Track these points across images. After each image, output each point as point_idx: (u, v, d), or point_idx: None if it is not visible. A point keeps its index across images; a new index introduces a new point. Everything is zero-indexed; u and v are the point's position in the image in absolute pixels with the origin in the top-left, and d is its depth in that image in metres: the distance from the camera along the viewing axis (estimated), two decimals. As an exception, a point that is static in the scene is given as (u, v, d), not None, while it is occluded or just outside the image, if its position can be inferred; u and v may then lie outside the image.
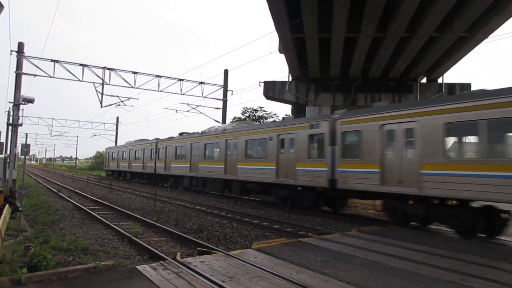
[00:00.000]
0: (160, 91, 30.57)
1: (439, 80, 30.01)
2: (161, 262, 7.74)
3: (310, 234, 11.30)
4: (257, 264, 7.44)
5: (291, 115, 35.80)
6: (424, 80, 30.53)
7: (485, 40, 23.74)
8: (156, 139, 34.85)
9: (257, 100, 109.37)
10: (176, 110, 36.78)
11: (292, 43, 24.89)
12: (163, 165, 31.64)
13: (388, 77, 29.16)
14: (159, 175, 33.36)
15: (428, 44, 24.25)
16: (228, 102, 33.69)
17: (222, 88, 33.55)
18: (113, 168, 47.70)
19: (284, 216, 15.98)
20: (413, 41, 23.34)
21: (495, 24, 21.89)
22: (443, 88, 29.20)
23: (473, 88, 29.14)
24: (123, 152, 43.29)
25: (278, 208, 18.60)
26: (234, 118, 40.63)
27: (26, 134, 54.40)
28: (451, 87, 29.09)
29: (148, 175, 36.66)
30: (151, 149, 34.53)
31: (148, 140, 38.43)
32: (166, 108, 38.98)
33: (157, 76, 30.15)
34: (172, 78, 30.97)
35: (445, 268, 7.23)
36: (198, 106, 35.00)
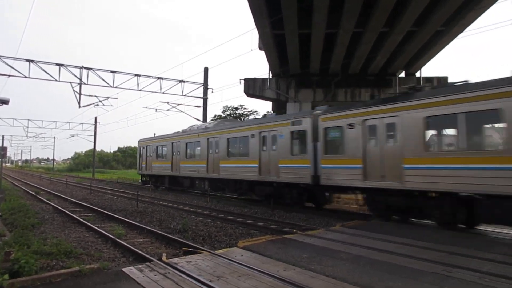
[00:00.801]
0: (140, 90, 30.22)
1: (417, 74, 30.55)
2: (147, 263, 7.65)
3: (294, 230, 11.36)
4: (244, 262, 7.44)
5: (272, 112, 35.94)
6: (402, 74, 31.01)
7: (462, 34, 24.28)
8: (291, 114, 20.36)
9: (238, 97, 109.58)
10: (156, 109, 36.39)
11: (273, 40, 24.89)
12: (359, 166, 13.68)
13: (368, 72, 29.50)
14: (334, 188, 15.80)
15: (406, 39, 24.62)
16: (208, 100, 33.54)
17: (203, 86, 33.34)
18: (160, 172, 30.17)
19: (268, 213, 16.02)
20: (392, 35, 23.65)
21: (471, 18, 22.37)
22: (421, 81, 29.73)
23: (449, 81, 29.80)
24: (187, 144, 26.12)
25: (261, 205, 18.64)
26: (215, 116, 40.40)
27: (3, 136, 52.85)
28: (429, 80, 29.65)
29: (291, 187, 17.46)
30: (292, 132, 16.99)
31: (244, 120, 24.07)
32: (146, 107, 38.50)
33: (136, 75, 29.78)
34: (152, 77, 30.65)
35: (428, 260, 7.38)
36: (179, 104, 34.75)
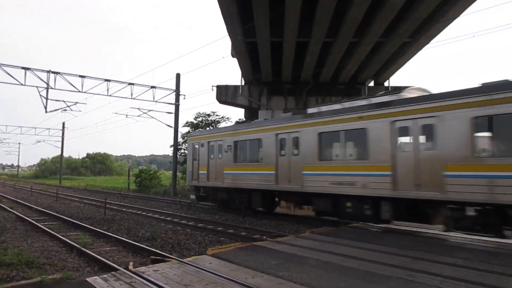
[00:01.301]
0: (109, 95, 29.61)
1: (386, 83, 31.40)
2: (113, 272, 7.47)
3: (264, 237, 11.39)
4: (212, 270, 7.37)
5: (244, 119, 36.01)
6: (371, 84, 31.79)
7: (428, 46, 25.19)
8: None
9: (211, 104, 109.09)
10: (127, 115, 35.74)
11: (245, 47, 25.03)
12: None
13: (338, 80, 30.09)
14: None
15: (375, 49, 25.29)
16: (180, 106, 33.21)
17: (174, 93, 33.06)
18: (244, 184, 18.16)
19: (239, 220, 16.00)
20: (361, 45, 24.25)
21: (436, 30, 23.26)
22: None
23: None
24: (323, 135, 14.50)
25: (233, 212, 18.58)
26: (187, 122, 40.03)
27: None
28: (397, 89, 30.48)
29: None
30: None
31: None
32: (116, 113, 37.76)
33: (106, 80, 29.19)
34: (122, 82, 30.09)
35: (393, 265, 7.54)
36: (150, 110, 34.22)
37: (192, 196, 22.86)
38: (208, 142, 20.91)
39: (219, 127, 23.64)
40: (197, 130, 23.44)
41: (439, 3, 20.13)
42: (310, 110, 15.36)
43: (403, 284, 6.41)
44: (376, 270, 7.25)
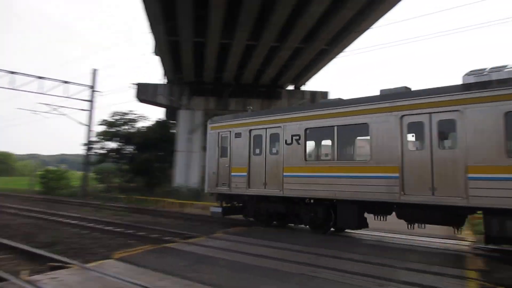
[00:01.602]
0: (13, 89, 27.11)
1: (302, 88, 32.81)
2: (1, 283, 6.75)
3: (176, 239, 11.15)
4: (117, 274, 7.00)
5: (164, 118, 35.21)
6: (291, 87, 32.99)
7: (342, 54, 26.77)
8: None
9: (130, 102, 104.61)
10: (34, 111, 32.91)
11: (167, 46, 24.55)
12: None
13: (259, 83, 30.72)
14: None
15: (294, 54, 26.24)
16: (97, 103, 31.58)
17: (90, 89, 31.27)
18: (342, 192, 11.29)
19: (151, 222, 15.50)
20: (282, 50, 25.01)
21: (350, 40, 24.83)
22: (306, 95, 32.01)
23: (330, 96, 32.58)
24: None
25: (145, 213, 17.99)
26: (103, 120, 37.92)
27: None
28: (313, 94, 32.03)
29: None
30: None
31: None
32: (20, 109, 34.69)
33: (11, 72, 26.72)
34: (30, 75, 27.74)
35: (299, 262, 7.81)
36: (61, 107, 31.91)
37: (214, 209, 15.38)
38: (250, 130, 14.42)
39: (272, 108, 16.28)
40: (220, 117, 16.18)
41: (352, 15, 21.49)
42: (467, 79, 9.70)
43: (306, 279, 6.66)
44: (281, 267, 7.45)
